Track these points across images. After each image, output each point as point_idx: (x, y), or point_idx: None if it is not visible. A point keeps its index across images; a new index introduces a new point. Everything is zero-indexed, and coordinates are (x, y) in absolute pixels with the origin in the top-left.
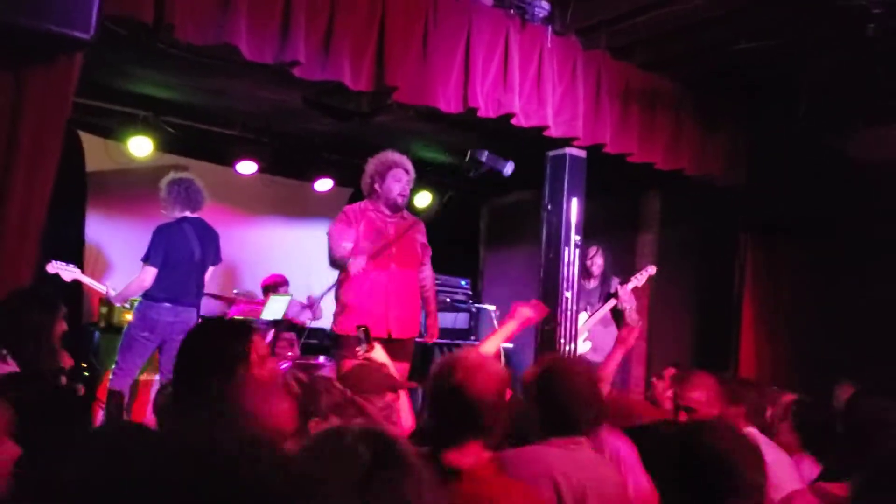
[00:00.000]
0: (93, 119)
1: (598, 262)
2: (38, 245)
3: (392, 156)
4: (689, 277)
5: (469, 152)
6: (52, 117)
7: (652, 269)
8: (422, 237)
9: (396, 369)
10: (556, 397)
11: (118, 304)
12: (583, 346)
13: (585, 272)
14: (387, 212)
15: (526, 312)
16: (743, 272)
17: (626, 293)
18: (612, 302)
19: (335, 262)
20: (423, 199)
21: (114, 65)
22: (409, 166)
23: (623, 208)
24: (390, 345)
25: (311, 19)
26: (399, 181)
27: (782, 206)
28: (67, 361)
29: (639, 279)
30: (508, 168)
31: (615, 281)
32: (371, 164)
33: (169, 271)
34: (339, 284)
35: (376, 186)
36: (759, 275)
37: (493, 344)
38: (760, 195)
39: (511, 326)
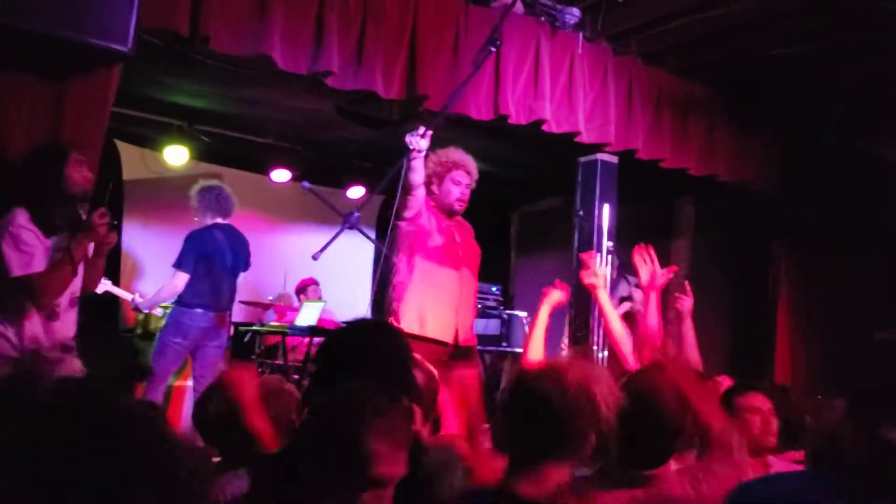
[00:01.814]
0: (129, 128)
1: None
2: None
3: (454, 154)
4: (723, 284)
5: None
6: (91, 128)
7: (627, 306)
8: (476, 243)
9: (468, 375)
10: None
11: (145, 311)
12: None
13: None
14: (444, 216)
15: (557, 295)
16: (777, 278)
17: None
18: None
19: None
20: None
21: (150, 75)
22: (473, 167)
23: (656, 214)
24: (458, 350)
25: (344, 29)
26: (459, 184)
27: (817, 213)
28: None
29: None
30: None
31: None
32: (430, 163)
33: (201, 277)
34: (398, 276)
35: (434, 188)
36: (793, 281)
37: (538, 345)
38: (795, 201)
39: (544, 312)
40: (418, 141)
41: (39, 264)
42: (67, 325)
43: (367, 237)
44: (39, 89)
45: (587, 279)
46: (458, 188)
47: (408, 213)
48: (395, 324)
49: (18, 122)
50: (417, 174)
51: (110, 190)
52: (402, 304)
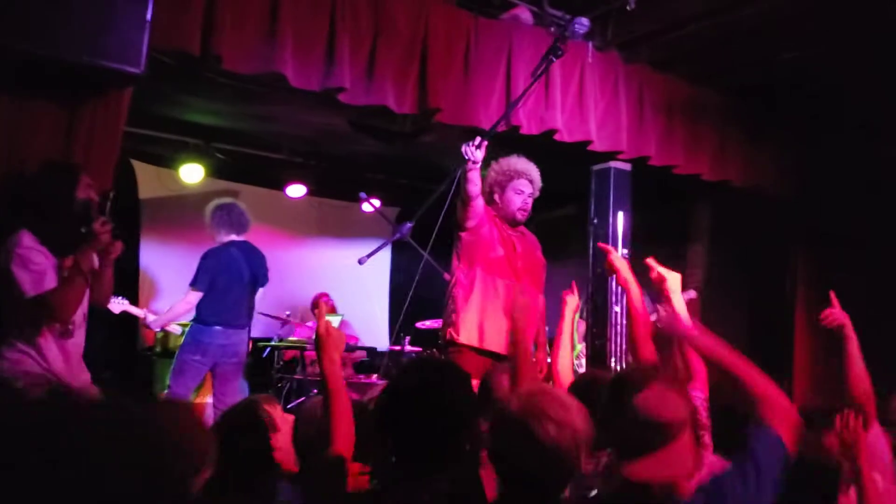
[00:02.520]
0: (145, 147)
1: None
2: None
3: (516, 163)
4: (741, 288)
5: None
6: (104, 149)
7: (692, 294)
8: (541, 256)
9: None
10: None
11: (156, 329)
12: None
13: None
14: (507, 226)
15: (574, 300)
16: (794, 282)
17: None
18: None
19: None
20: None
21: (163, 94)
22: (535, 175)
23: (673, 219)
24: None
25: (355, 46)
26: (521, 193)
27: (833, 217)
28: None
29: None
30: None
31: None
32: (491, 173)
33: (219, 295)
34: (458, 288)
35: (496, 198)
36: (810, 284)
37: (567, 353)
38: (811, 205)
39: (568, 319)
40: (474, 151)
41: (51, 282)
42: (79, 342)
43: (419, 248)
44: (52, 112)
45: (618, 265)
46: (521, 197)
47: (469, 224)
48: (454, 335)
49: (32, 146)
50: (474, 185)
51: (111, 199)
52: (461, 315)
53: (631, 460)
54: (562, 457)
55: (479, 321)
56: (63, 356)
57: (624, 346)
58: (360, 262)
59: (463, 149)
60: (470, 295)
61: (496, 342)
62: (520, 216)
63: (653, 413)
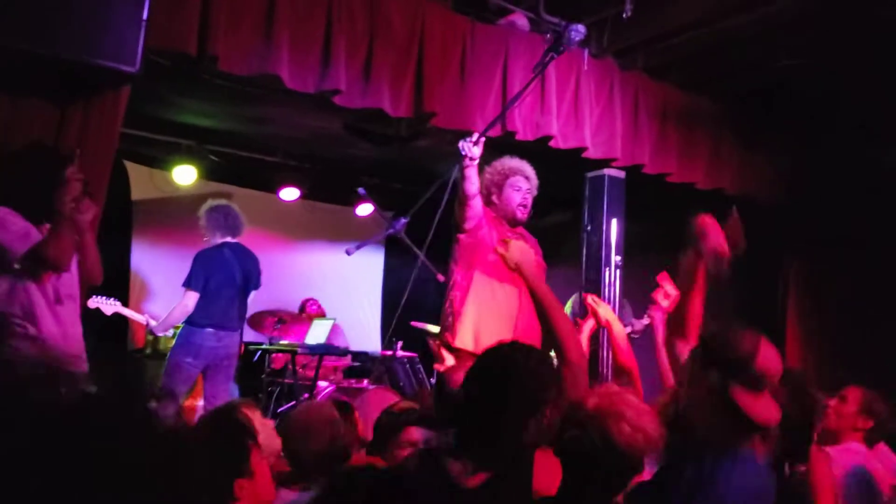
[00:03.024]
0: (138, 148)
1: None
2: (101, 277)
3: (510, 162)
4: (733, 296)
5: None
6: (100, 149)
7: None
8: (541, 258)
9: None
10: None
11: (160, 334)
12: None
13: None
14: (506, 227)
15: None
16: (787, 290)
17: (641, 327)
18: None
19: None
20: None
21: (157, 95)
22: (531, 172)
23: (665, 227)
24: None
25: (351, 48)
26: (519, 190)
27: (826, 224)
28: None
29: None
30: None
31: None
32: (486, 175)
33: (211, 297)
34: (456, 290)
35: (494, 199)
36: (803, 292)
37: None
38: (803, 213)
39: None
40: (471, 147)
41: (36, 238)
42: (73, 316)
43: (411, 246)
44: (48, 111)
45: (601, 311)
46: (519, 194)
47: (468, 225)
48: (450, 340)
49: (26, 144)
50: (471, 183)
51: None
52: (459, 319)
53: None
54: (631, 458)
55: (474, 325)
56: (58, 326)
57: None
58: (348, 252)
59: (460, 144)
60: (466, 298)
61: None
62: (520, 213)
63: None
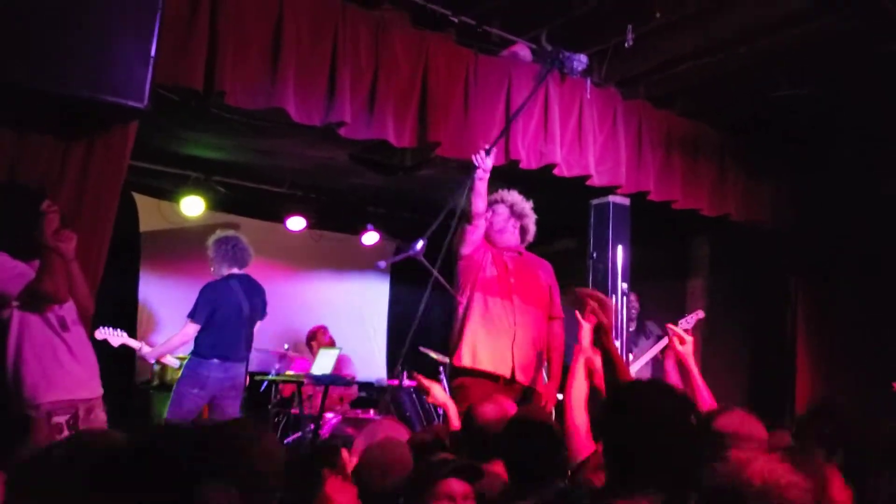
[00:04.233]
0: (146, 180)
1: (634, 305)
2: (93, 307)
3: (497, 193)
4: (741, 321)
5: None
6: (108, 182)
7: (701, 314)
8: (548, 277)
9: None
10: None
11: (151, 360)
12: None
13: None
14: (498, 249)
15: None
16: (795, 315)
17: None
18: (663, 341)
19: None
20: None
21: (166, 128)
22: (514, 199)
23: (672, 253)
24: (509, 388)
25: (356, 81)
26: (499, 215)
27: (832, 249)
28: None
29: (688, 321)
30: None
31: (651, 324)
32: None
33: (218, 328)
34: (459, 313)
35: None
36: (811, 317)
37: (582, 387)
38: (809, 238)
39: (585, 342)
40: (484, 159)
41: (30, 274)
42: (82, 339)
43: (430, 268)
44: (55, 145)
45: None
46: (499, 218)
47: (464, 250)
48: (455, 363)
49: (35, 180)
50: (481, 200)
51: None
52: (461, 339)
53: None
54: None
55: (472, 343)
56: (69, 350)
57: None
58: (380, 265)
59: (473, 156)
60: (466, 318)
61: (490, 362)
62: (496, 237)
63: None
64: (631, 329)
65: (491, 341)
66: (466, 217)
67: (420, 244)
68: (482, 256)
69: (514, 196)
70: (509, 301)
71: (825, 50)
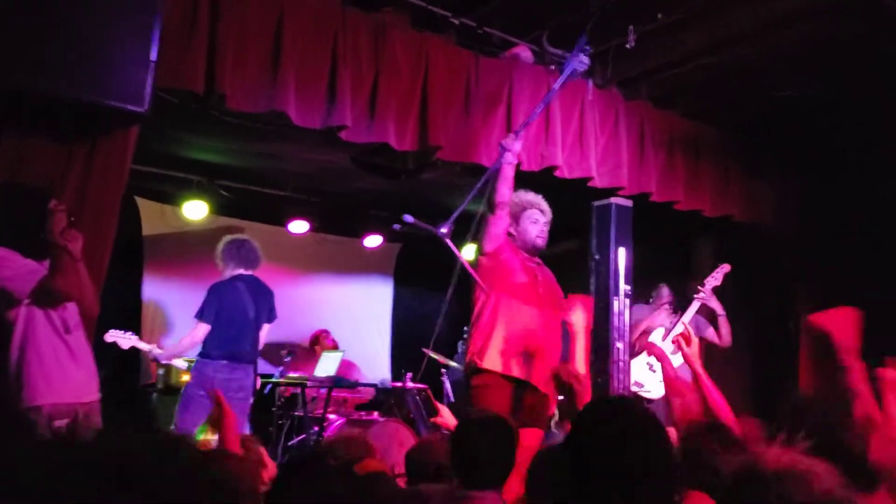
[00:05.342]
0: (148, 184)
1: (667, 297)
2: (98, 309)
3: (525, 196)
4: (745, 323)
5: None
6: (109, 186)
7: (727, 267)
8: (556, 288)
9: (525, 436)
10: None
11: (163, 361)
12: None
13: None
14: (525, 255)
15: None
16: (798, 318)
17: (709, 291)
18: (696, 304)
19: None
20: (469, 252)
21: (168, 132)
22: (545, 206)
23: (675, 255)
24: (526, 393)
25: (357, 84)
26: (536, 223)
27: (834, 250)
28: None
29: (716, 278)
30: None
31: (665, 289)
32: None
33: (224, 329)
34: (484, 313)
35: (511, 230)
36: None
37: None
38: (812, 239)
39: (579, 343)
40: (513, 141)
41: (42, 272)
42: (83, 344)
43: (455, 252)
44: (56, 150)
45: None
46: (536, 226)
47: (489, 247)
48: (478, 361)
49: (33, 180)
50: (507, 186)
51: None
52: (484, 341)
53: None
54: None
55: (502, 346)
56: (70, 354)
57: (627, 383)
58: (407, 220)
59: (501, 141)
60: (494, 320)
61: (517, 368)
62: (539, 242)
63: None
64: (675, 321)
65: (520, 347)
66: (490, 206)
67: (446, 228)
68: (510, 259)
69: (540, 199)
70: (539, 311)
71: (828, 50)
